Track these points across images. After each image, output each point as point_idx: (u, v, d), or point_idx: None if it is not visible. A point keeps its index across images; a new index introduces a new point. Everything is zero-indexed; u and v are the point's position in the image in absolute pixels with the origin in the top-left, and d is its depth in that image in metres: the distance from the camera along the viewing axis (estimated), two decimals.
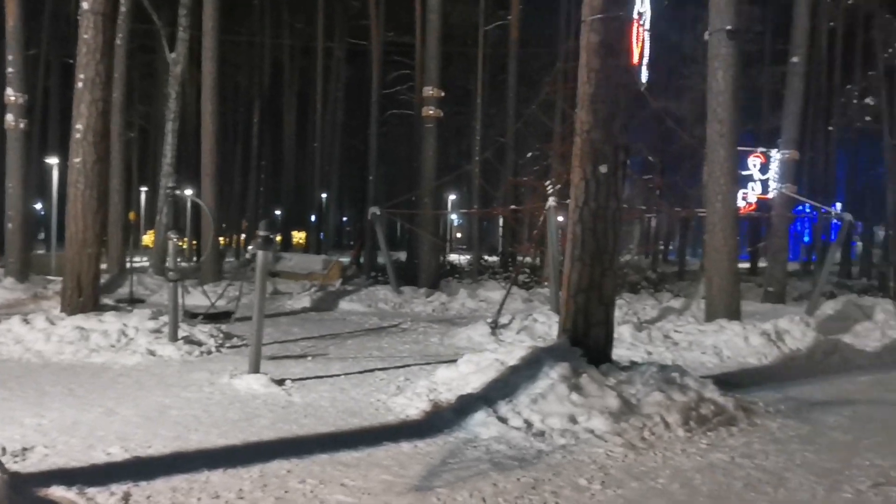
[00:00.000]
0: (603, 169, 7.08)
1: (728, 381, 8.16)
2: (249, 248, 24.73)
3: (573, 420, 6.02)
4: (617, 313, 12.72)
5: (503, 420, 6.00)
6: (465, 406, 6.28)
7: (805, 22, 17.83)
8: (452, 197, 45.83)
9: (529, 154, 22.47)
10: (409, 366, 8.78)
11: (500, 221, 29.49)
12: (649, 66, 14.98)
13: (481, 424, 5.95)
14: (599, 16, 7.04)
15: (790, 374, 8.89)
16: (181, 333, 9.33)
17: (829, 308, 14.14)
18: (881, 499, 4.68)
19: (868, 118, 26.66)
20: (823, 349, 10.05)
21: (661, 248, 36.87)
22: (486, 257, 28.26)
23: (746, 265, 37.53)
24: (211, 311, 11.76)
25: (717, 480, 4.97)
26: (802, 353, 9.93)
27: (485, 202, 26.58)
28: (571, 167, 7.41)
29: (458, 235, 59.92)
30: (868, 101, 25.87)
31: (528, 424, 5.96)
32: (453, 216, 50.77)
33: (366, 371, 8.40)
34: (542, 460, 5.30)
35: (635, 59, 14.27)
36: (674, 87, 25.87)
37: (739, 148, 18.68)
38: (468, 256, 29.03)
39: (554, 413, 6.09)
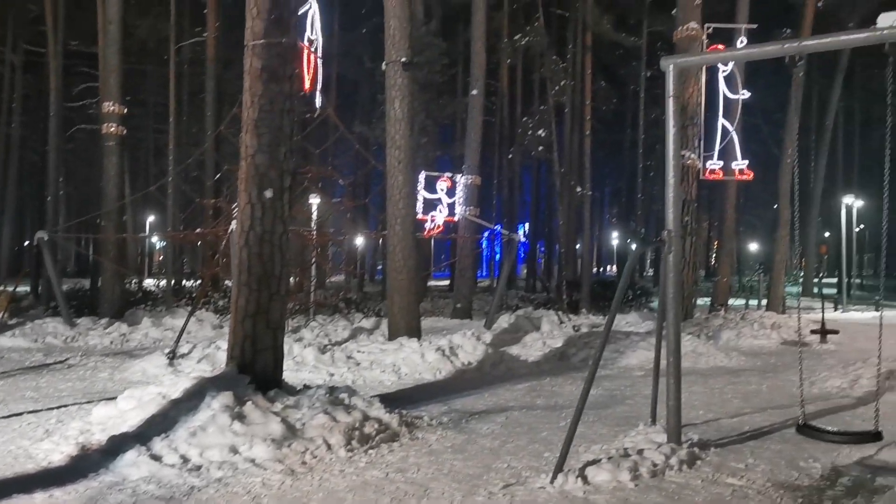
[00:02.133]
0: (268, 193, 7.06)
1: (401, 398, 8.51)
2: None
3: (234, 450, 5.88)
4: (308, 336, 12.87)
5: (157, 458, 5.69)
6: (117, 446, 5.87)
7: (482, 58, 19.38)
8: (151, 218, 43.35)
9: (218, 175, 21.91)
10: (66, 406, 8.03)
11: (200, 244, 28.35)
12: (323, 91, 15.30)
13: (131, 465, 5.59)
14: (262, 41, 7.04)
15: (460, 387, 9.49)
16: None
17: (504, 321, 15.39)
18: (508, 498, 5.11)
19: (541, 148, 29.67)
20: (492, 361, 10.88)
21: (359, 269, 37.80)
22: (185, 282, 27.00)
23: (446, 282, 39.80)
24: None
25: (367, 499, 5.11)
26: (473, 366, 10.66)
27: (189, 224, 25.45)
28: (238, 192, 7.30)
29: (161, 259, 56.67)
30: (541, 132, 28.82)
31: (185, 460, 5.72)
32: (154, 239, 47.91)
33: (13, 416, 7.54)
34: (193, 496, 5.10)
35: (307, 86, 14.54)
36: (378, 112, 26.79)
37: (429, 173, 19.87)
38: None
39: (214, 445, 5.90)
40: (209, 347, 10.84)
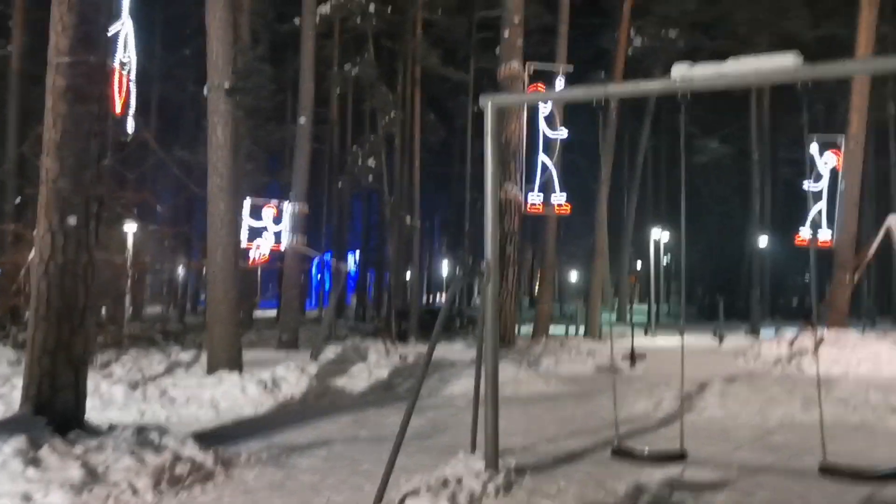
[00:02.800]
0: (72, 221, 6.60)
1: (219, 435, 8.16)
2: None
3: (28, 498, 5.40)
4: (118, 371, 12.10)
5: None
6: None
7: (310, 86, 19.26)
8: None
9: (18, 199, 20.30)
10: None
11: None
12: (141, 114, 14.67)
13: None
14: (66, 59, 6.62)
15: (282, 421, 9.23)
16: None
17: (331, 352, 15.20)
18: None
19: (372, 177, 29.84)
20: (316, 393, 10.69)
21: (179, 299, 36.20)
22: None
23: (274, 312, 38.84)
24: None
25: None
26: (297, 399, 10.43)
27: None
28: (38, 218, 6.78)
29: None
30: (371, 162, 29.01)
31: None
32: None
33: None
34: None
35: (118, 109, 13.87)
36: (202, 137, 25.87)
37: (255, 200, 19.42)
38: None
39: (4, 494, 5.39)
40: (3, 386, 9.93)
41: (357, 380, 12.32)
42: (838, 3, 29.48)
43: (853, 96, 20.66)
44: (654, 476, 6.40)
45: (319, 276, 45.03)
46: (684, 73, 6.03)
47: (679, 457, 6.15)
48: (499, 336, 14.48)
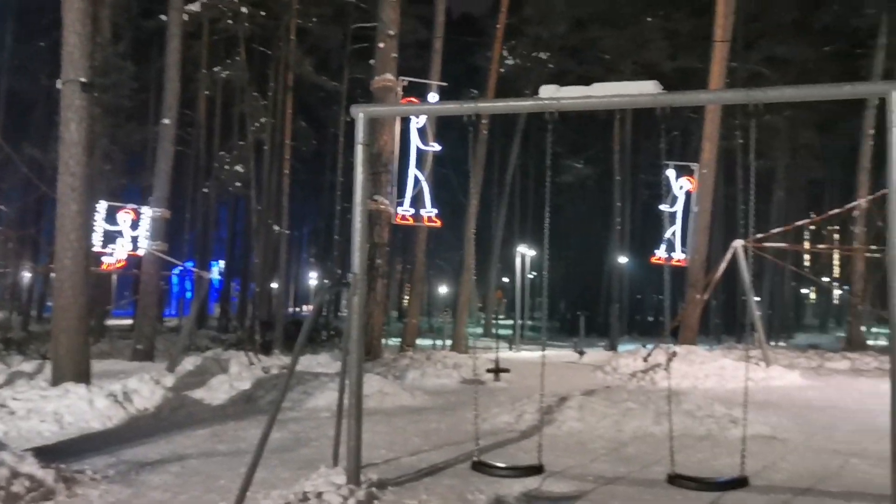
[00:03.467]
0: None
1: (63, 451, 7.65)
2: None
3: None
4: None
5: None
6: None
7: (176, 86, 18.53)
8: None
9: None
10: None
11: None
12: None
13: None
14: None
15: (133, 436, 8.75)
16: None
17: (189, 364, 14.59)
18: None
19: (239, 183, 29.04)
20: (171, 406, 10.21)
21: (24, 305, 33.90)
22: None
23: (129, 321, 37.00)
24: None
25: None
26: (150, 412, 9.92)
27: None
28: None
29: None
30: (239, 168, 28.22)
31: None
32: None
33: None
34: None
35: None
36: (55, 134, 24.37)
37: (111, 203, 18.41)
38: None
39: None
40: None
41: (217, 392, 11.88)
42: (695, 38, 31.37)
43: (706, 125, 21.98)
44: (514, 488, 6.49)
45: (181, 284, 43.37)
46: (552, 94, 6.20)
47: (536, 470, 6.26)
48: (365, 348, 14.44)
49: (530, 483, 6.63)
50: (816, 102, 34.73)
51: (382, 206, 16.66)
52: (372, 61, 18.30)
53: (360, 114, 6.60)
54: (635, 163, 40.94)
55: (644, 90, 6.06)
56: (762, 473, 7.28)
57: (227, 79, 28.78)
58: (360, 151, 6.54)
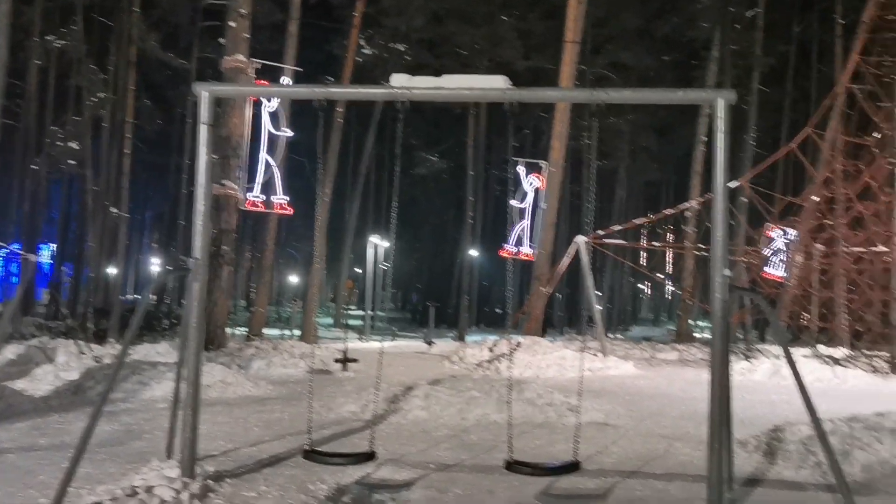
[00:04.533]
0: None
1: None
2: None
3: None
4: None
5: None
6: None
7: (3, 54, 17.08)
8: None
9: None
10: None
11: None
12: None
13: None
14: None
15: None
16: None
17: (11, 352, 13.58)
18: None
19: (74, 162, 27.22)
20: None
21: None
22: None
23: None
24: None
25: None
26: None
27: None
28: None
29: None
30: (74, 144, 26.43)
31: None
32: None
33: None
34: None
35: None
36: None
37: None
38: None
39: None
40: None
41: (41, 383, 11.14)
42: (547, 39, 32.43)
43: (555, 124, 22.81)
44: (356, 477, 6.47)
45: (5, 267, 40.21)
46: (404, 83, 6.19)
47: (367, 457, 6.21)
48: (209, 337, 13.90)
49: (373, 471, 6.63)
50: (655, 109, 36.90)
51: (231, 192, 16.12)
52: (223, 40, 17.60)
53: (203, 92, 6.33)
54: (488, 159, 41.83)
55: (494, 84, 6.17)
56: (594, 458, 7.64)
57: (63, 49, 26.85)
58: (203, 132, 6.28)
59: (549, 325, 34.97)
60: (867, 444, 7.46)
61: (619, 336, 36.90)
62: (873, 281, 19.44)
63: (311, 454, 6.24)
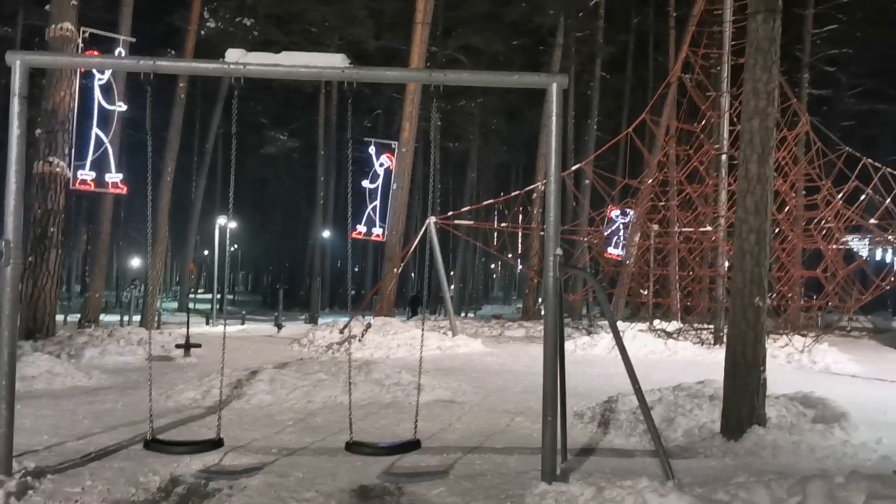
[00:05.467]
0: None
1: None
2: None
3: None
4: None
5: None
6: None
7: None
8: None
9: None
10: None
11: None
12: None
13: None
14: None
15: None
16: None
17: None
18: None
19: None
20: None
21: None
22: None
23: None
24: None
25: None
26: None
27: None
28: None
29: None
30: None
31: None
32: None
33: None
34: None
35: None
36: None
37: None
38: None
39: None
40: None
41: None
42: (398, 20, 32.34)
43: (405, 105, 22.83)
44: (192, 466, 6.25)
45: None
46: (238, 58, 5.98)
47: (214, 444, 6.09)
48: (35, 325, 13.06)
49: (210, 459, 6.42)
50: (504, 92, 37.73)
51: (58, 169, 15.06)
52: (48, 7, 16.33)
53: (17, 61, 5.85)
54: (340, 139, 41.42)
55: (332, 63, 6.06)
56: (438, 435, 7.76)
57: None
58: (15, 104, 5.81)
59: (400, 306, 35.21)
60: (689, 410, 8.01)
61: (470, 315, 37.71)
62: (701, 259, 20.82)
63: (153, 444, 5.99)
